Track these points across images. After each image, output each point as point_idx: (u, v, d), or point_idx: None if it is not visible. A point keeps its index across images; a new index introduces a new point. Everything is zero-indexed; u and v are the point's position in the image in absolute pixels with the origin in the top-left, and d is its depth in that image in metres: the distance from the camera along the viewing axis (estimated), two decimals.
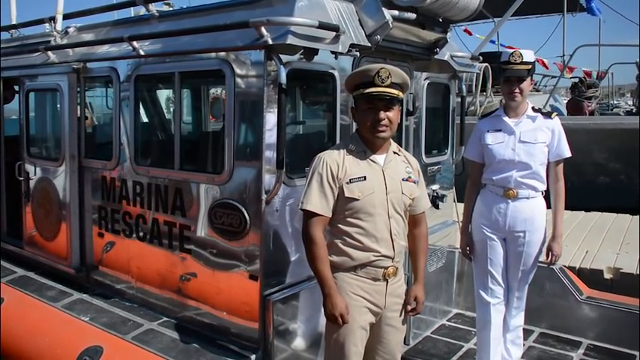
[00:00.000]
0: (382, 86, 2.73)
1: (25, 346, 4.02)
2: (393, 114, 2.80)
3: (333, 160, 2.81)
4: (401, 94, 2.80)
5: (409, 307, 2.98)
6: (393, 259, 2.86)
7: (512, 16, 10.64)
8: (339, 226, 2.84)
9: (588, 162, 10.14)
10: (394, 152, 2.96)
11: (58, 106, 4.76)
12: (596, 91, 13.17)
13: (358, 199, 2.77)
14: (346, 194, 2.77)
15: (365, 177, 2.80)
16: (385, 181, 2.83)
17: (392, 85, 2.74)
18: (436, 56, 4.37)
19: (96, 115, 6.16)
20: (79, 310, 4.21)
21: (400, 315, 2.98)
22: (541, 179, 3.71)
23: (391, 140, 2.95)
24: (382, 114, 2.76)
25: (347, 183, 2.78)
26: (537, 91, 14.35)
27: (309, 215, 2.80)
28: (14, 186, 5.31)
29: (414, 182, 2.96)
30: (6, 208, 5.59)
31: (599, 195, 10.03)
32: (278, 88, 3.18)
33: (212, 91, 5.81)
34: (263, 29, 3.09)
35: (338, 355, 2.87)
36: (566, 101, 14.23)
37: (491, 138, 3.76)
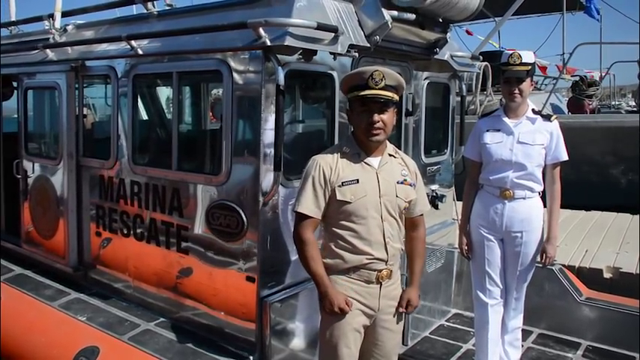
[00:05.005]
0: (376, 89, 2.71)
1: (21, 346, 4.00)
2: (388, 116, 2.78)
3: (327, 163, 2.80)
4: (396, 96, 2.78)
5: (400, 310, 2.97)
6: (386, 262, 2.84)
7: (512, 15, 10.60)
8: (333, 228, 2.83)
9: (587, 160, 10.11)
10: (390, 155, 2.93)
11: (57, 104, 4.73)
12: (597, 89, 13.17)
13: (350, 202, 2.77)
14: (338, 197, 2.77)
15: (357, 180, 2.79)
16: (379, 184, 2.82)
17: (386, 88, 2.72)
18: (436, 56, 4.35)
19: (94, 113, 6.14)
20: (76, 309, 4.20)
21: (394, 317, 2.97)
22: (537, 180, 3.71)
23: (388, 142, 2.93)
24: (376, 116, 2.74)
25: (339, 186, 2.77)
26: (539, 90, 14.32)
27: (300, 217, 2.81)
28: (12, 184, 5.29)
29: (411, 185, 2.93)
30: (4, 206, 5.58)
31: (598, 194, 10.01)
32: (276, 89, 3.16)
33: (214, 91, 5.78)
34: (261, 30, 3.06)
35: (331, 357, 2.87)
36: (566, 100, 14.23)
37: (489, 137, 3.76)
